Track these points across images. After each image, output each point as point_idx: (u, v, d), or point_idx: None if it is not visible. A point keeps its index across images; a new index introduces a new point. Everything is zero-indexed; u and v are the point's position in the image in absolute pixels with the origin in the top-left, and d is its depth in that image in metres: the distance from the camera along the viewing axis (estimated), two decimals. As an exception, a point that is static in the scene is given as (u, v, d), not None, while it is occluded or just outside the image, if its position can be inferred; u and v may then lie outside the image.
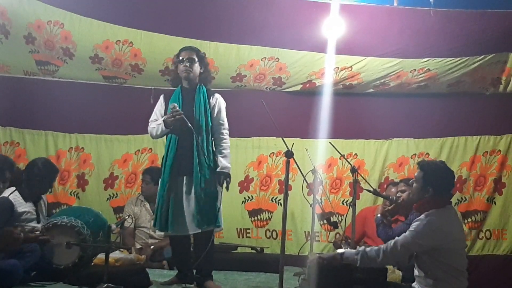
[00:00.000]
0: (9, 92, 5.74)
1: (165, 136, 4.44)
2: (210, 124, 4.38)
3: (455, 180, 5.86)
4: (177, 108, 4.24)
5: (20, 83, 5.91)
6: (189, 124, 4.20)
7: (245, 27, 5.40)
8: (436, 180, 3.64)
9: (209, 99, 4.42)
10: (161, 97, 4.52)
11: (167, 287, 4.38)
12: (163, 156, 4.40)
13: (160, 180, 4.39)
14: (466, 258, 3.67)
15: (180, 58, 4.41)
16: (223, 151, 4.37)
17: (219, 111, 4.44)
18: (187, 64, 4.37)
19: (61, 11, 5.28)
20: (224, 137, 4.42)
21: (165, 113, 4.36)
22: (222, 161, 4.33)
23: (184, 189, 4.27)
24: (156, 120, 4.42)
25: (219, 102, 4.46)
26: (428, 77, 5.78)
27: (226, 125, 4.45)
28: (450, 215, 3.66)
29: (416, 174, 3.77)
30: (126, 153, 6.18)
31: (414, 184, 3.75)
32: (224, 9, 5.27)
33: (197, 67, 4.42)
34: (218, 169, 4.31)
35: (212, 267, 4.40)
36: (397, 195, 5.13)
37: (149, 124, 4.46)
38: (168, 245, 5.44)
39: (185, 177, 4.28)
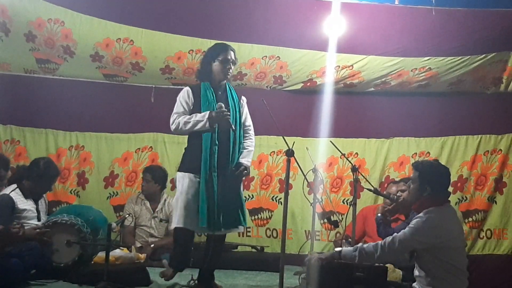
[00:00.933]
0: (9, 90, 5.74)
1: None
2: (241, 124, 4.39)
3: (456, 179, 5.98)
4: (224, 107, 4.16)
5: (21, 81, 5.91)
6: (232, 126, 4.18)
7: (246, 26, 5.39)
8: (432, 178, 3.65)
9: (239, 99, 4.43)
10: (188, 90, 4.34)
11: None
12: (202, 152, 4.17)
13: (201, 175, 4.17)
14: (467, 257, 3.66)
15: (223, 58, 4.30)
16: (247, 147, 4.39)
17: (247, 113, 4.47)
18: (232, 66, 4.36)
19: (62, 9, 5.26)
20: (252, 138, 4.45)
21: (195, 108, 4.25)
22: (245, 153, 4.33)
23: (223, 186, 4.21)
24: (184, 113, 4.27)
25: (246, 104, 4.49)
26: (429, 76, 5.77)
27: (252, 128, 4.48)
28: (449, 213, 3.67)
29: (412, 175, 3.79)
30: (127, 152, 6.16)
31: (411, 185, 3.76)
32: (225, 7, 5.26)
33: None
34: (239, 159, 4.30)
35: (216, 267, 4.41)
36: (397, 194, 5.13)
37: (176, 116, 4.25)
38: (167, 247, 5.47)
39: (221, 175, 4.21)
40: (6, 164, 4.58)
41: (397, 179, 5.74)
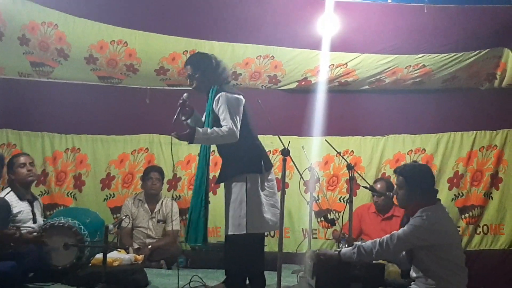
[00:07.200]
0: (4, 94, 5.73)
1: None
2: None
3: (452, 175, 6.01)
4: None
5: (15, 85, 5.90)
6: None
7: (240, 26, 5.39)
8: (421, 180, 3.62)
9: None
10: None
11: None
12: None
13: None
14: (463, 253, 3.67)
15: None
16: None
17: None
18: None
19: (55, 12, 5.24)
20: None
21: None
22: None
23: None
24: None
25: None
26: (423, 73, 5.78)
27: None
28: (443, 211, 3.67)
29: (396, 180, 3.77)
30: (123, 153, 6.18)
31: (399, 191, 3.72)
32: (218, 7, 5.26)
33: None
34: None
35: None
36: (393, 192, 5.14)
37: None
38: (164, 248, 5.47)
39: None
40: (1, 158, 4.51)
41: (393, 177, 5.75)
